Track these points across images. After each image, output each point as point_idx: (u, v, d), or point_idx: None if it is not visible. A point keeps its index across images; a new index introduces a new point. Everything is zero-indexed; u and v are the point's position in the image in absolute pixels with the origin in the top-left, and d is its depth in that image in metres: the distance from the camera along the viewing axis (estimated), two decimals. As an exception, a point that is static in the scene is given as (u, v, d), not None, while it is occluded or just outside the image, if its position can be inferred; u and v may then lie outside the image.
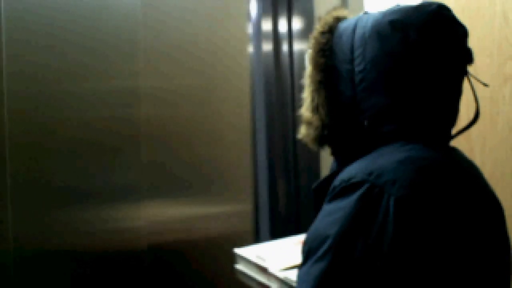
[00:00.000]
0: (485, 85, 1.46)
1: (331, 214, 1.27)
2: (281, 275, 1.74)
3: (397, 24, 1.34)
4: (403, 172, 1.26)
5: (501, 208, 1.45)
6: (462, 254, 1.29)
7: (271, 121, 2.40)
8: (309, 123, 1.46)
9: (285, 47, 2.38)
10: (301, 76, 2.32)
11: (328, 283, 1.21)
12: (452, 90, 1.38)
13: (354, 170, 1.29)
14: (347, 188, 1.27)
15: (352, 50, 1.40)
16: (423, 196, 1.23)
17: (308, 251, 1.28)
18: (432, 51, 1.32)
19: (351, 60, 1.40)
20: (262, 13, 2.42)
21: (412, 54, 1.32)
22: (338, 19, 1.48)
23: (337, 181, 1.30)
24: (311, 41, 1.44)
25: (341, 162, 1.46)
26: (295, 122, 2.34)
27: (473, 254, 1.31)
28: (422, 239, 1.21)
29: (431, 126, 1.37)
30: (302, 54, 2.33)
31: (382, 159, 1.30)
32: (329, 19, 1.47)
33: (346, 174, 1.29)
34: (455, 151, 1.43)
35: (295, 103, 2.34)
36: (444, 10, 1.36)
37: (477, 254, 1.33)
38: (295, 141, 2.34)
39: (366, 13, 1.47)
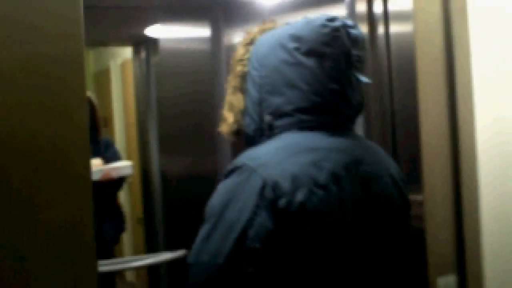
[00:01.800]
0: (368, 83, 1.70)
1: (218, 190, 1.63)
2: None
3: (294, 36, 1.66)
4: (274, 157, 1.58)
5: (394, 197, 1.72)
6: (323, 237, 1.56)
7: (369, 110, 2.28)
8: (224, 120, 1.83)
9: (381, 30, 2.24)
10: (398, 60, 2.22)
11: (208, 239, 1.58)
12: (339, 88, 1.65)
13: (241, 156, 1.63)
14: (232, 170, 1.62)
15: (259, 59, 1.73)
16: (285, 175, 1.53)
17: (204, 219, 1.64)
18: (319, 57, 1.64)
19: (259, 67, 1.72)
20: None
21: (304, 61, 1.64)
22: (264, 31, 1.80)
23: (228, 165, 1.64)
24: (234, 53, 1.81)
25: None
26: (393, 107, 2.21)
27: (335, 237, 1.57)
28: (281, 212, 1.52)
29: (321, 117, 1.66)
30: (399, 37, 2.19)
31: (265, 147, 1.64)
32: (254, 32, 1.81)
33: (236, 159, 1.64)
34: (355, 139, 1.72)
35: (393, 89, 2.21)
36: (331, 22, 1.66)
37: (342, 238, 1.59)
38: (394, 129, 2.21)
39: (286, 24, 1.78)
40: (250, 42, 1.80)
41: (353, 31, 1.69)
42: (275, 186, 1.53)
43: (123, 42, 5.77)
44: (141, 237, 4.88)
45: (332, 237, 1.58)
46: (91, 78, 8.41)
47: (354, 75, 1.68)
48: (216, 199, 1.63)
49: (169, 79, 3.94)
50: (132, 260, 2.80)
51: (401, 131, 2.19)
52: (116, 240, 4.73)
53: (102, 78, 7.84)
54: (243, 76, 1.78)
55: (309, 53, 1.65)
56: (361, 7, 2.29)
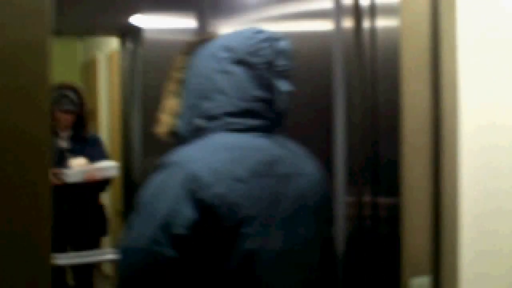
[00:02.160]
0: (293, 91, 1.99)
1: (147, 184, 1.84)
2: None
3: (225, 47, 1.92)
4: (198, 153, 1.82)
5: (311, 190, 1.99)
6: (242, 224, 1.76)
7: (351, 103, 2.24)
8: (160, 122, 2.06)
9: (367, 23, 2.20)
10: (385, 56, 2.18)
11: (130, 229, 1.80)
12: (264, 95, 1.92)
13: (171, 153, 1.85)
14: (161, 165, 1.84)
15: (194, 67, 1.98)
16: (206, 170, 1.74)
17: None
18: (246, 66, 1.90)
19: (194, 75, 1.97)
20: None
21: (232, 69, 1.90)
22: (202, 42, 2.03)
23: (159, 161, 1.87)
24: (173, 60, 2.06)
25: None
26: (378, 104, 2.17)
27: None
28: (203, 203, 1.72)
29: (247, 121, 1.90)
30: (386, 32, 2.15)
31: (192, 146, 1.87)
32: (193, 42, 2.05)
33: (166, 156, 1.86)
34: (278, 140, 1.97)
35: (376, 84, 2.17)
36: (257, 34, 1.95)
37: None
38: (378, 124, 2.17)
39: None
40: (188, 52, 2.04)
41: (278, 43, 1.96)
42: (196, 179, 1.74)
43: (110, 33, 5.74)
44: (120, 231, 4.83)
45: (249, 229, 1.77)
46: (78, 69, 8.35)
47: (278, 84, 1.94)
48: (144, 192, 1.83)
49: (155, 70, 3.91)
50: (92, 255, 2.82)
51: (382, 127, 2.15)
52: (96, 244, 4.60)
53: (90, 69, 7.80)
54: (180, 82, 2.02)
55: (237, 62, 1.90)
56: (348, 0, 2.24)
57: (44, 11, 1.26)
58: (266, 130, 1.93)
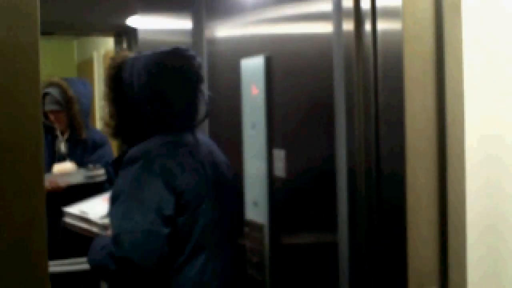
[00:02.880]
0: (214, 99, 2.67)
1: (123, 177, 2.37)
2: (100, 221, 2.75)
3: (158, 64, 2.45)
4: (163, 150, 2.42)
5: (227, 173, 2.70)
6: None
7: (351, 108, 2.18)
8: (107, 124, 2.56)
9: (368, 26, 2.13)
10: (384, 58, 2.12)
11: (129, 214, 2.27)
12: (190, 100, 2.55)
13: (135, 150, 2.39)
14: (130, 160, 2.36)
15: (131, 78, 2.45)
16: (175, 163, 2.39)
17: (112, 200, 2.36)
18: (179, 78, 2.50)
19: (130, 85, 2.45)
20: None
21: (166, 82, 2.47)
22: (125, 57, 2.54)
23: (126, 157, 2.38)
24: (105, 72, 2.58)
25: (129, 146, 2.49)
26: (378, 107, 2.10)
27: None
28: (177, 190, 2.36)
29: (178, 121, 2.50)
30: (387, 35, 2.08)
31: (149, 143, 2.43)
32: (118, 59, 2.56)
33: (131, 152, 2.38)
34: (199, 135, 2.61)
35: (378, 89, 2.10)
36: (180, 52, 2.53)
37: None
38: (378, 130, 2.10)
39: (139, 53, 2.58)
40: (118, 65, 2.53)
41: (197, 58, 2.56)
42: (170, 171, 2.36)
43: (105, 32, 5.69)
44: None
45: (205, 206, 2.45)
46: (74, 68, 8.30)
47: (201, 91, 2.56)
48: (124, 184, 2.36)
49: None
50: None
51: (385, 134, 2.09)
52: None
53: (85, 68, 7.75)
54: (113, 90, 2.53)
55: (170, 75, 2.47)
56: (348, 3, 2.17)
57: (32, 11, 1.20)
58: (194, 128, 2.59)
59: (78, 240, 2.86)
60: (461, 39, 2.02)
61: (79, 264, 3.38)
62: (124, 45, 5.10)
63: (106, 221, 2.69)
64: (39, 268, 1.19)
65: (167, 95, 2.48)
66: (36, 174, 1.19)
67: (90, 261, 2.43)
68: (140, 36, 3.87)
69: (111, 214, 2.38)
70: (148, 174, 2.33)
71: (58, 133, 4.25)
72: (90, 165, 4.09)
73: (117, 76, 2.51)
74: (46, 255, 1.20)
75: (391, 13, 2.06)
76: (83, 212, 2.85)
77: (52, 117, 4.21)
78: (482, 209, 2.05)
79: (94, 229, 2.76)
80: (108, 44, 6.23)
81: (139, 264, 2.22)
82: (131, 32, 4.73)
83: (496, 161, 2.07)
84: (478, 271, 2.06)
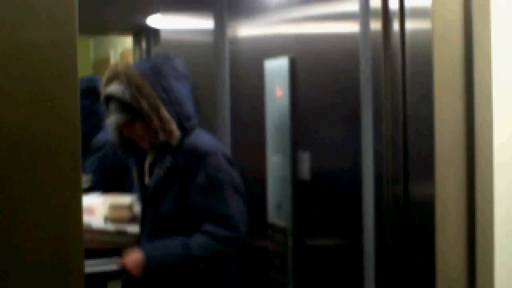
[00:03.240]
0: (198, 103, 2.80)
1: (212, 169, 2.64)
2: (111, 228, 2.76)
3: (173, 67, 2.75)
4: (216, 142, 2.81)
5: None
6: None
7: (378, 111, 2.15)
8: (169, 128, 2.63)
9: (396, 26, 2.10)
10: (413, 59, 2.09)
11: (231, 203, 2.64)
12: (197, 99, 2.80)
13: (202, 144, 2.71)
14: (212, 154, 2.66)
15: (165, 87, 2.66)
16: (228, 152, 2.84)
17: (207, 190, 2.62)
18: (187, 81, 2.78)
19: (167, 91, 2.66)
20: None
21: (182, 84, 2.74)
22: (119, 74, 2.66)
23: (202, 150, 2.66)
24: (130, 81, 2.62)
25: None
26: (406, 111, 2.07)
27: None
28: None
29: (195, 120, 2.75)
30: (415, 36, 2.05)
31: (203, 137, 2.74)
32: (110, 76, 2.68)
33: (204, 146, 2.70)
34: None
35: (406, 92, 2.07)
36: (166, 56, 2.81)
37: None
38: (406, 134, 2.08)
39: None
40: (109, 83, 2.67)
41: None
42: (231, 158, 2.72)
43: (123, 31, 5.68)
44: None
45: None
46: (90, 66, 8.30)
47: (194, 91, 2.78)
48: (218, 174, 2.63)
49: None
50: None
51: (413, 137, 2.06)
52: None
53: (102, 67, 7.74)
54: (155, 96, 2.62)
55: (182, 79, 2.72)
56: (376, 2, 2.14)
57: (73, 9, 1.20)
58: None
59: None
60: (490, 41, 1.99)
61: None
62: (144, 45, 5.09)
63: (119, 227, 2.68)
64: (76, 268, 1.18)
65: (188, 97, 2.83)
66: (75, 176, 1.18)
67: (198, 258, 2.59)
68: (162, 35, 3.86)
69: (212, 201, 2.59)
70: (226, 162, 2.66)
71: None
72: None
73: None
74: (83, 256, 1.19)
75: (420, 14, 2.03)
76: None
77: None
78: (509, 210, 2.02)
79: (106, 238, 2.71)
80: (125, 42, 6.22)
81: (245, 242, 2.66)
82: (151, 32, 4.71)
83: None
84: (505, 271, 2.03)
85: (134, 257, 2.55)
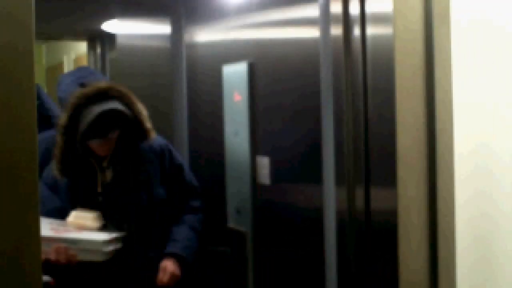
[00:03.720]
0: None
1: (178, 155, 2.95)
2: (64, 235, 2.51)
3: None
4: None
5: None
6: None
7: (340, 116, 2.15)
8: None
9: (356, 31, 2.10)
10: (374, 63, 2.09)
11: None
12: None
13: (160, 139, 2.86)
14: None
15: None
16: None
17: (183, 168, 2.94)
18: None
19: None
20: (330, -7, 2.17)
21: None
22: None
23: (168, 144, 2.90)
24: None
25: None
26: (367, 116, 2.07)
27: None
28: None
29: None
30: (375, 39, 2.05)
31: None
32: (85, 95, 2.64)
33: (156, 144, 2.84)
34: None
35: (368, 98, 2.06)
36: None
37: None
38: (368, 139, 2.07)
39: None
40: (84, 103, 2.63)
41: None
42: None
43: (77, 36, 5.60)
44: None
45: None
46: (43, 73, 8.17)
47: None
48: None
49: (126, 76, 3.79)
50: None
51: (375, 142, 2.05)
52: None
53: (54, 73, 7.62)
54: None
55: None
56: (336, 8, 2.14)
57: (30, 13, 1.15)
58: None
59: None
60: (450, 45, 2.00)
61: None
62: (98, 50, 5.02)
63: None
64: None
65: None
66: (31, 182, 1.14)
67: (201, 234, 2.92)
68: (118, 41, 3.81)
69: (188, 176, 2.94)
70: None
71: None
72: None
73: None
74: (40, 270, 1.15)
75: (381, 19, 2.03)
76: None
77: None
78: (471, 218, 2.03)
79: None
80: (80, 48, 6.14)
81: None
82: (106, 37, 4.65)
83: (484, 170, 2.05)
84: (467, 276, 2.04)
85: (171, 266, 2.71)
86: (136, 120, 2.66)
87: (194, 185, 2.95)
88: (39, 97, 3.35)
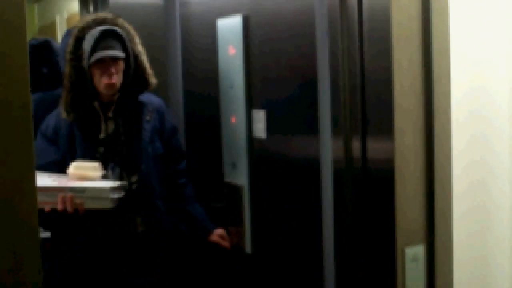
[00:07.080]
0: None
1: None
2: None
3: None
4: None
5: None
6: None
7: (335, 66, 2.13)
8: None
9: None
10: (370, 12, 2.07)
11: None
12: None
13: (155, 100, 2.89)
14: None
15: None
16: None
17: (176, 131, 2.97)
18: None
19: None
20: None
21: None
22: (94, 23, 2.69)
23: (162, 105, 2.91)
24: None
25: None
26: (363, 66, 2.05)
27: None
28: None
29: None
30: (372, 6, 2.02)
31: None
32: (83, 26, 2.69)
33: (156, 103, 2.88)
34: None
35: (364, 44, 2.05)
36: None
37: None
38: (364, 89, 2.06)
39: None
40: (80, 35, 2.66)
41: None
42: None
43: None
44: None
45: None
46: (36, 32, 8.12)
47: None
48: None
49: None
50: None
51: (371, 91, 2.04)
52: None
53: (47, 33, 7.57)
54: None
55: None
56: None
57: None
58: None
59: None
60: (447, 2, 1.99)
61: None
62: (91, 9, 4.97)
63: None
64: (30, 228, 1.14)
65: None
66: (26, 135, 1.13)
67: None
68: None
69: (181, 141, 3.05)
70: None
71: None
72: None
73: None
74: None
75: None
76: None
77: None
78: (469, 162, 2.04)
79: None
80: (71, 7, 6.09)
81: None
82: (98, -7, 4.59)
83: (480, 116, 2.05)
84: (463, 222, 2.05)
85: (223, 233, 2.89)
86: (136, 63, 2.71)
87: (183, 150, 3.02)
88: (53, 57, 3.32)
